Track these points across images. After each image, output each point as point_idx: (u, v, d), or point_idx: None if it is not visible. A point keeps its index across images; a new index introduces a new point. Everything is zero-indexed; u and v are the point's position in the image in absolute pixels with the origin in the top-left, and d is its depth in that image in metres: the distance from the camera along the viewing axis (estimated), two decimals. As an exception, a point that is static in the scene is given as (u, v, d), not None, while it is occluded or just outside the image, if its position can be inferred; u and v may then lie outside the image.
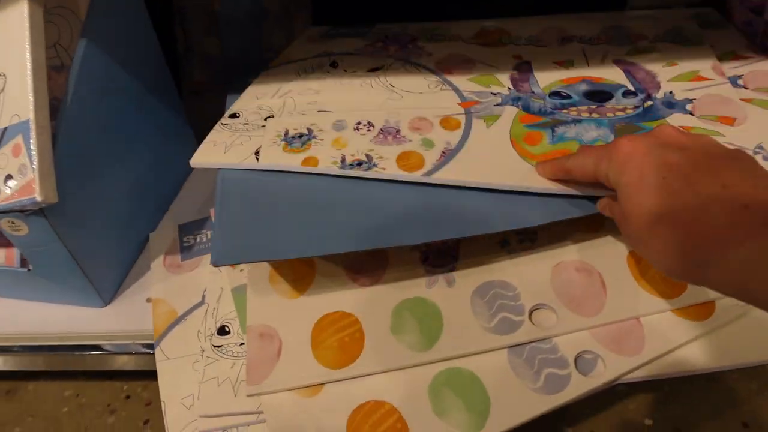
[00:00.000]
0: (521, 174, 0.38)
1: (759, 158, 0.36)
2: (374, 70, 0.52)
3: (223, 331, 0.43)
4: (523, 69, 0.49)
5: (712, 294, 0.36)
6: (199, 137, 0.47)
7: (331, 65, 0.54)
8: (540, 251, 0.40)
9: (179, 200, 0.59)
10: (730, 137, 0.39)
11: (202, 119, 0.49)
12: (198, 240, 0.53)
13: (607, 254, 0.39)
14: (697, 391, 0.46)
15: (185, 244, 0.53)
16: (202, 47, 0.76)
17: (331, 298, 0.40)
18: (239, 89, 0.53)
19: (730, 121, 0.40)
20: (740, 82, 0.45)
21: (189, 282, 0.49)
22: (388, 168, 0.40)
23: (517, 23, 0.57)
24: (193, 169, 0.45)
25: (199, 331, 0.44)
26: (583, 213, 0.37)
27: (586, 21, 0.55)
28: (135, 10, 0.53)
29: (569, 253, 0.39)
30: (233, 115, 0.49)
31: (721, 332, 0.35)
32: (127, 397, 0.55)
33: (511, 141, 0.41)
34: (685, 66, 0.46)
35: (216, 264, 0.37)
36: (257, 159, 0.43)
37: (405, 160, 0.41)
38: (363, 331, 0.38)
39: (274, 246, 0.38)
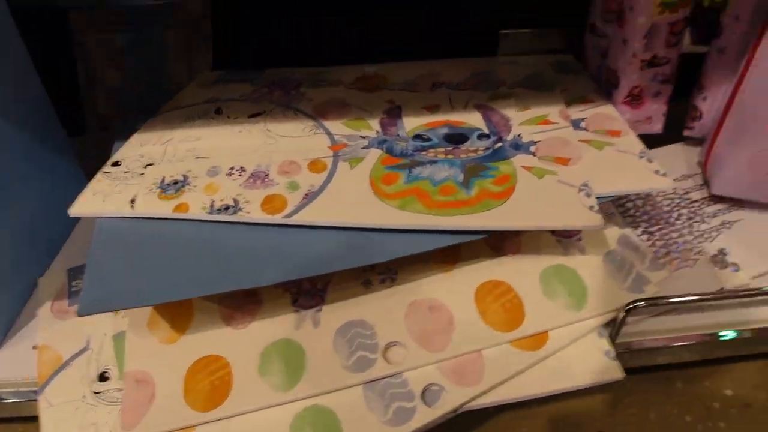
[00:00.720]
0: (375, 213, 0.42)
1: (582, 195, 0.41)
2: (255, 115, 0.54)
3: (103, 377, 0.44)
4: (393, 113, 0.53)
5: (543, 326, 0.40)
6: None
7: (216, 112, 0.56)
8: (398, 290, 0.43)
9: (70, 243, 0.59)
10: (562, 176, 0.43)
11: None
12: (87, 284, 0.53)
13: (457, 291, 0.42)
14: (557, 407, 0.50)
15: (73, 289, 0.53)
16: (104, 80, 0.77)
17: (205, 342, 0.42)
18: (126, 136, 0.54)
19: (565, 161, 0.44)
20: (583, 124, 0.49)
21: (75, 327, 0.50)
22: (252, 212, 0.43)
23: (395, 69, 0.60)
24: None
25: (82, 376, 0.45)
26: (433, 246, 0.40)
27: (457, 67, 0.59)
28: (18, 58, 0.53)
29: (424, 291, 0.42)
30: (115, 164, 0.50)
31: (552, 359, 0.39)
32: (22, 440, 0.55)
33: (370, 182, 0.44)
34: (536, 111, 0.50)
35: (81, 314, 0.38)
36: (132, 207, 0.45)
37: (269, 203, 0.43)
38: (232, 374, 0.40)
39: (139, 293, 0.39)
